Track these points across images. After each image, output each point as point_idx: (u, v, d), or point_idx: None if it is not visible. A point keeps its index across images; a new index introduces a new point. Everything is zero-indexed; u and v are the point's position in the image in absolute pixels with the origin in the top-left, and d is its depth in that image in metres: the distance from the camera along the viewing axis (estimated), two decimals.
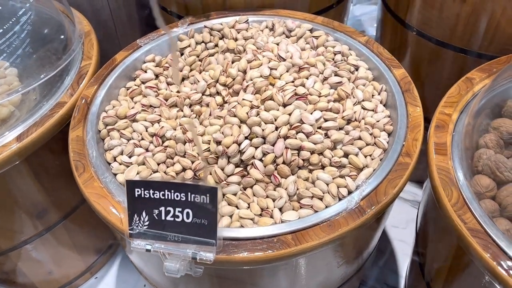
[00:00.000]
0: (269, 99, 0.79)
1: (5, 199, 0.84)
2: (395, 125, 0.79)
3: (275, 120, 0.76)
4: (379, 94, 0.85)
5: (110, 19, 1.25)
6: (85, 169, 0.73)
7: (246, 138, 0.75)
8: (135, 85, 0.91)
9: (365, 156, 0.75)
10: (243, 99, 0.80)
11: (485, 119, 0.82)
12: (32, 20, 0.90)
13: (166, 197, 0.55)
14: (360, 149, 0.76)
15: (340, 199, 0.70)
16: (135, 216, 0.56)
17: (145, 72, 0.93)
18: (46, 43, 0.90)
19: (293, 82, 0.83)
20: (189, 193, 0.54)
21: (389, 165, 0.72)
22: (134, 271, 1.17)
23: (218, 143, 0.74)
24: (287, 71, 0.85)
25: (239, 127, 0.76)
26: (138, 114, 0.82)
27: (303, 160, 0.74)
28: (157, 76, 0.93)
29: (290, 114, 0.77)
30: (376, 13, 1.30)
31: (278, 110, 0.78)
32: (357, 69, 0.89)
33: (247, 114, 0.77)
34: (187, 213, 0.54)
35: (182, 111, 0.85)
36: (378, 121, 0.79)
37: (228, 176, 0.73)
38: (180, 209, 0.54)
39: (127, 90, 0.90)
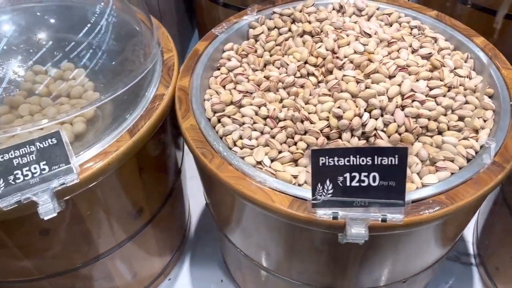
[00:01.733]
0: (374, 72, 0.81)
1: (112, 199, 0.81)
2: (494, 88, 0.82)
3: (387, 91, 0.78)
4: (465, 62, 0.88)
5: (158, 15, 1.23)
6: (213, 155, 0.72)
7: (365, 110, 0.76)
8: (222, 73, 0.90)
9: (478, 118, 0.78)
10: (345, 75, 0.81)
11: None
12: (111, 23, 0.87)
13: (352, 163, 0.55)
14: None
15: (468, 160, 0.72)
16: (319, 185, 0.56)
17: (229, 60, 0.92)
18: (126, 45, 0.88)
19: (388, 55, 0.85)
20: (375, 156, 0.55)
21: (506, 124, 0.75)
22: (206, 267, 1.16)
23: (339, 118, 0.75)
24: (377, 46, 0.87)
25: (354, 101, 0.77)
26: (242, 99, 0.81)
27: (421, 127, 0.76)
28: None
29: (399, 85, 0.79)
30: None
31: (385, 82, 0.80)
32: (435, 41, 0.92)
33: (357, 88, 0.78)
34: (373, 177, 0.55)
35: (276, 94, 0.85)
36: (476, 86, 0.83)
37: None
38: (366, 174, 0.55)
39: (216, 78, 0.89)
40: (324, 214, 0.57)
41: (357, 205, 0.56)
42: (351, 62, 0.84)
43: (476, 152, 0.73)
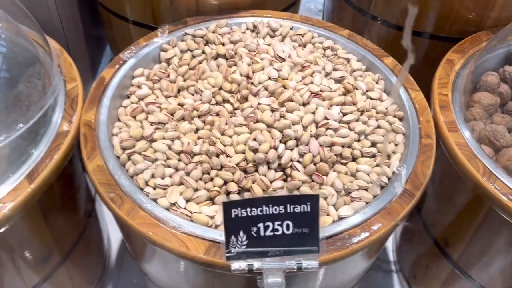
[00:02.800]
0: (289, 100, 0.80)
1: (15, 248, 0.74)
2: (404, 111, 0.84)
3: (301, 120, 0.77)
4: (377, 83, 0.90)
5: (60, 30, 1.14)
6: (122, 199, 0.68)
7: (280, 141, 0.75)
8: (133, 102, 0.85)
9: (389, 143, 0.80)
10: (260, 104, 0.80)
11: (465, 95, 0.92)
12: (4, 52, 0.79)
13: (264, 213, 0.53)
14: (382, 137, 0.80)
15: (382, 187, 0.74)
16: (232, 237, 0.54)
17: (140, 87, 0.87)
18: (21, 76, 0.79)
19: (301, 80, 0.85)
20: (288, 205, 0.53)
21: (415, 148, 0.77)
22: None
23: (255, 151, 0.73)
24: (291, 71, 0.87)
25: (269, 131, 0.76)
26: (155, 133, 0.77)
27: (335, 155, 0.76)
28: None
29: (313, 113, 0.78)
30: None
31: (299, 110, 0.79)
32: (348, 62, 0.94)
33: (272, 118, 0.77)
34: (287, 225, 0.54)
35: (190, 123, 0.82)
36: (387, 109, 0.85)
37: (271, 181, 0.72)
38: (279, 222, 0.54)
39: (126, 109, 0.84)
40: (239, 266, 0.55)
41: (272, 254, 0.55)
42: (266, 89, 0.82)
43: (389, 179, 0.74)
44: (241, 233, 0.54)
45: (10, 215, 0.66)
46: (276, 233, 0.54)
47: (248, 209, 0.53)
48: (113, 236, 1.20)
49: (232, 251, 0.54)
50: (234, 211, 0.53)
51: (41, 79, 0.80)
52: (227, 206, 0.53)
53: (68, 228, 0.87)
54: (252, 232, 0.54)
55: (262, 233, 0.54)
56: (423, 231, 0.96)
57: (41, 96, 0.77)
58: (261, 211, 0.53)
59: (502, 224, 0.75)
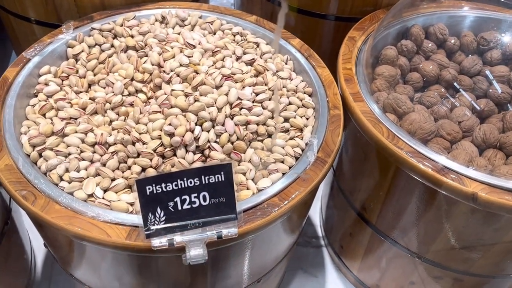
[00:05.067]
0: (201, 84, 0.81)
1: None
2: (312, 87, 0.88)
3: (215, 102, 0.79)
4: (286, 63, 0.94)
5: None
6: (36, 196, 0.66)
7: (196, 124, 0.76)
8: (40, 100, 0.82)
9: (301, 117, 0.84)
10: (173, 90, 0.81)
11: (368, 68, 0.98)
12: None
13: (180, 186, 0.54)
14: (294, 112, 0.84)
15: (296, 158, 0.77)
16: (150, 214, 0.54)
17: (47, 85, 0.84)
18: None
19: (213, 65, 0.86)
20: (202, 176, 0.54)
21: (325, 119, 0.81)
22: None
23: (171, 135, 0.74)
24: (202, 57, 0.88)
25: (184, 116, 0.77)
26: (66, 128, 0.75)
27: (251, 133, 0.78)
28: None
29: (226, 95, 0.80)
30: None
31: (213, 93, 0.81)
32: (257, 46, 0.96)
33: (186, 102, 0.78)
34: (204, 196, 0.55)
35: (104, 116, 0.81)
36: (297, 86, 0.88)
37: (191, 164, 0.73)
38: (195, 194, 0.55)
39: (34, 107, 0.81)
40: (160, 242, 0.55)
41: (192, 227, 0.55)
42: (178, 75, 0.83)
43: (302, 150, 0.78)
44: (158, 209, 0.54)
45: None
46: (193, 205, 0.55)
47: (163, 185, 0.54)
48: (38, 249, 1.15)
49: (151, 228, 0.55)
50: (149, 188, 0.53)
51: None
52: (141, 184, 0.53)
53: None
54: (170, 207, 0.54)
55: (179, 207, 0.55)
56: (344, 201, 1.01)
57: None
58: (176, 185, 0.54)
59: (409, 181, 0.81)
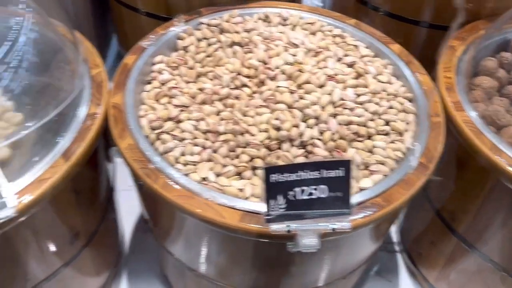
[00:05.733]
0: (306, 83, 0.84)
1: (47, 227, 0.77)
2: (412, 93, 0.89)
3: (319, 100, 0.82)
4: (385, 68, 0.95)
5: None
6: (156, 175, 0.71)
7: (300, 120, 0.79)
8: (155, 87, 0.89)
9: (401, 122, 0.85)
10: (278, 86, 0.84)
11: (467, 78, 0.97)
12: (29, 38, 0.81)
13: (301, 178, 0.58)
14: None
15: (397, 162, 0.78)
16: (271, 201, 0.58)
17: (161, 73, 0.91)
18: (50, 62, 0.82)
19: (316, 65, 0.89)
20: (323, 170, 0.58)
21: (426, 126, 0.82)
22: (145, 281, 1.14)
23: (277, 129, 0.78)
24: (305, 56, 0.91)
25: (289, 112, 0.80)
26: (180, 114, 0.81)
27: (352, 133, 0.81)
28: None
29: (329, 94, 0.83)
30: None
31: (316, 92, 0.84)
32: (357, 48, 0.98)
33: (291, 99, 0.81)
34: (322, 189, 0.58)
35: (211, 107, 0.86)
36: (397, 91, 0.90)
37: (294, 158, 0.77)
38: (314, 187, 0.58)
39: (149, 93, 0.88)
40: (277, 228, 0.59)
41: (308, 217, 0.59)
42: (283, 72, 0.87)
43: (403, 154, 0.79)
44: (280, 197, 0.58)
45: (48, 191, 0.68)
46: (311, 196, 0.58)
47: (287, 174, 0.57)
48: (125, 224, 1.23)
49: (272, 214, 0.58)
50: (273, 176, 0.57)
51: (69, 65, 0.83)
52: (268, 171, 0.57)
53: (93, 211, 0.90)
54: (289, 196, 0.58)
55: (298, 197, 0.58)
56: (429, 208, 1.01)
57: (70, 81, 0.80)
58: (298, 176, 0.58)
59: (507, 194, 0.80)
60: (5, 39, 0.76)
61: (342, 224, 0.59)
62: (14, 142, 0.73)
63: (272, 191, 0.58)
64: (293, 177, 0.57)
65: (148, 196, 0.80)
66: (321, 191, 0.58)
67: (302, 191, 0.58)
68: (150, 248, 1.19)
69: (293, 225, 0.59)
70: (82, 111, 0.80)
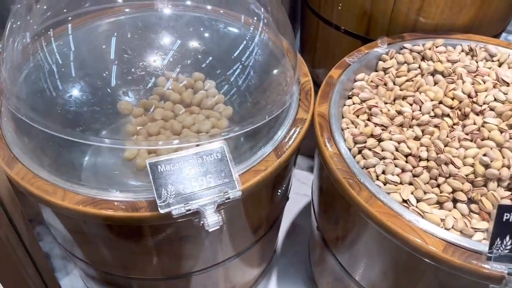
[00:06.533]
0: None
1: (245, 214, 0.84)
2: None
3: None
4: None
5: None
6: (360, 187, 0.74)
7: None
8: (355, 103, 0.92)
9: None
10: (486, 123, 0.82)
11: None
12: (256, 43, 0.89)
13: None
14: None
15: None
16: (498, 239, 0.57)
17: (362, 91, 0.94)
18: (270, 67, 0.90)
19: None
20: None
21: None
22: (292, 280, 1.18)
23: (486, 166, 0.75)
24: None
25: (499, 150, 0.78)
26: (383, 133, 0.83)
27: None
28: None
29: None
30: None
31: None
32: None
33: (502, 137, 0.79)
34: None
35: (409, 130, 0.86)
36: None
37: (501, 198, 0.74)
38: None
39: (349, 107, 0.91)
40: (497, 268, 0.58)
41: None
42: (492, 109, 0.84)
43: None
44: (508, 237, 0.57)
45: (261, 181, 0.75)
46: None
47: None
48: None
49: (495, 252, 0.57)
50: (506, 215, 0.56)
51: (286, 71, 0.89)
52: (501, 209, 0.56)
53: (276, 206, 0.96)
54: None
55: None
56: None
57: (286, 86, 0.86)
58: None
59: None
60: (242, 41, 0.85)
61: None
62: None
63: (501, 230, 0.57)
64: None
65: (339, 205, 0.83)
66: None
67: None
68: (297, 249, 1.24)
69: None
70: (292, 115, 0.86)
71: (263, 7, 0.89)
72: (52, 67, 0.81)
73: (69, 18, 0.87)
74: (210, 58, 0.94)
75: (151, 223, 0.71)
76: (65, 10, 0.89)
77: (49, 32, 0.82)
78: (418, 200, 0.74)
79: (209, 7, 0.95)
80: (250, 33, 0.89)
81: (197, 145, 0.72)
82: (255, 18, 0.90)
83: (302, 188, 1.43)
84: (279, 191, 0.92)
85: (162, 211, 0.65)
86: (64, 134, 0.69)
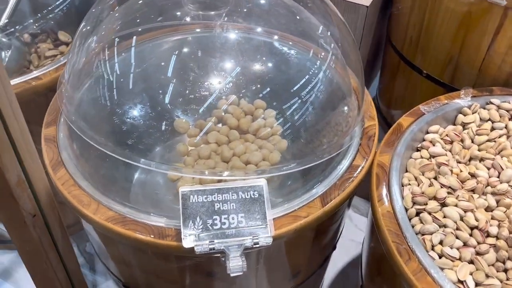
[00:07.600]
0: None
1: (278, 260, 0.78)
2: None
3: None
4: None
5: None
6: (410, 256, 0.65)
7: None
8: (423, 157, 0.83)
9: None
10: None
11: None
12: (321, 78, 0.84)
13: None
14: None
15: None
16: None
17: (433, 145, 0.84)
18: (333, 105, 0.84)
19: None
20: None
21: None
22: None
23: None
24: None
25: None
26: (449, 197, 0.73)
27: None
28: None
29: None
30: None
31: None
32: None
33: None
34: None
35: (481, 198, 0.75)
36: None
37: None
38: None
39: (415, 161, 0.82)
40: None
41: None
42: None
43: None
44: None
45: (299, 228, 0.68)
46: None
47: None
48: None
49: None
50: None
51: (349, 112, 0.83)
52: None
53: (320, 254, 0.88)
54: None
55: None
56: None
57: (348, 126, 0.80)
58: None
59: None
60: (307, 74, 0.80)
61: None
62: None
63: None
64: None
65: (383, 267, 0.75)
66: None
67: None
68: None
69: None
70: (347, 160, 0.78)
71: (335, 42, 0.84)
72: (113, 78, 0.81)
73: (139, 30, 0.87)
74: (272, 86, 0.90)
75: (176, 254, 0.68)
76: (138, 21, 0.89)
77: (115, 44, 0.83)
78: (477, 284, 0.64)
79: (279, 33, 0.91)
80: (317, 67, 0.84)
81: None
82: (325, 52, 0.84)
83: (358, 234, 1.32)
84: (323, 241, 0.85)
85: (185, 245, 0.61)
86: (111, 151, 0.67)
